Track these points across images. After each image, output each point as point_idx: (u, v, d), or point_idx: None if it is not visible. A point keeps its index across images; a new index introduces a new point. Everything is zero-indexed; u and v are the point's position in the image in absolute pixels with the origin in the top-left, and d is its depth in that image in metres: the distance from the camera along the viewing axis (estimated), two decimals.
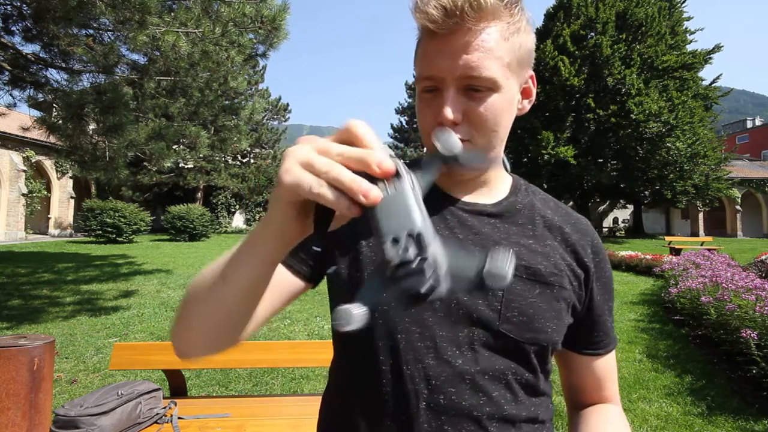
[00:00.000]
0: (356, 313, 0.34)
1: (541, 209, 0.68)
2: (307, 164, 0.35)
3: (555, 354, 0.72)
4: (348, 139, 0.36)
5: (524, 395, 0.60)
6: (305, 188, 0.34)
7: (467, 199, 0.66)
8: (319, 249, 0.39)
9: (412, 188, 0.35)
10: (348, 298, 0.35)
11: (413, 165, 0.39)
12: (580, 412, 0.71)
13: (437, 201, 0.65)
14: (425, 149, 0.63)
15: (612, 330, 0.71)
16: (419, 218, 0.33)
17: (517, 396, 0.59)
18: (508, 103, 0.58)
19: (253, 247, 0.44)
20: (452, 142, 0.38)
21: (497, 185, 0.68)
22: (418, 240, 0.33)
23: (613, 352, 0.72)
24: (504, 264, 0.33)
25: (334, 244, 0.63)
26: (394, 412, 0.57)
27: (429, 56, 0.56)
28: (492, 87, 0.55)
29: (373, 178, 0.34)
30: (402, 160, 0.38)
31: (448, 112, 0.54)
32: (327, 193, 0.34)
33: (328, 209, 0.36)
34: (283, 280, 0.60)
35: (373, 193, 0.33)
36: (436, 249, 0.33)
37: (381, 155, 0.34)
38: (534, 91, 0.65)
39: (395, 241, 0.33)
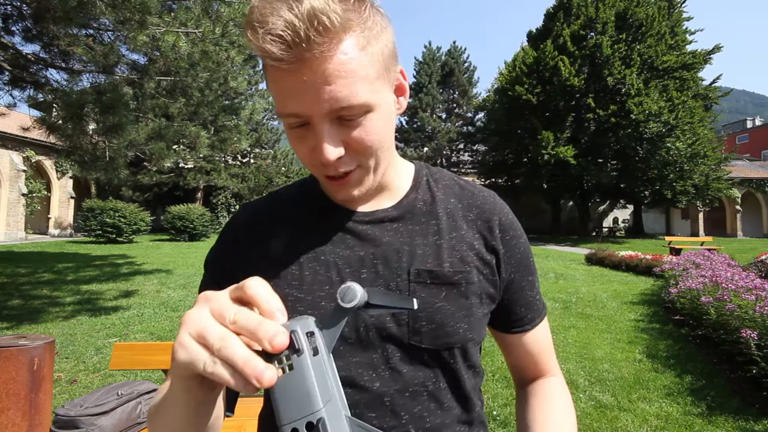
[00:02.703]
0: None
1: (444, 200, 0.66)
2: (201, 337, 0.35)
3: (493, 336, 0.72)
4: (245, 299, 0.36)
5: (449, 399, 0.59)
6: (199, 367, 0.34)
7: (366, 208, 0.64)
8: (230, 414, 0.40)
9: (314, 354, 0.34)
10: None
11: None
12: (524, 390, 0.71)
13: (335, 217, 0.63)
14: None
15: (536, 302, 0.69)
16: (319, 401, 0.32)
17: (442, 403, 0.58)
18: (386, 115, 0.54)
19: (176, 406, 0.43)
20: (352, 295, 0.36)
21: (396, 183, 0.66)
22: (318, 430, 0.32)
23: (544, 322, 0.71)
24: None
25: None
26: None
27: (284, 93, 0.49)
28: (367, 110, 0.50)
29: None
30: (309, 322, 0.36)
31: (330, 152, 0.50)
32: (221, 373, 0.33)
33: None
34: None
35: (266, 376, 0.32)
36: (340, 430, 0.32)
37: (273, 328, 0.33)
38: (407, 85, 0.59)
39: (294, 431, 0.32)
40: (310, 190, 0.67)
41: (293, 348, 0.34)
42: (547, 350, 0.71)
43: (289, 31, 0.43)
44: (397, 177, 0.66)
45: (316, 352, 0.34)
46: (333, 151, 0.50)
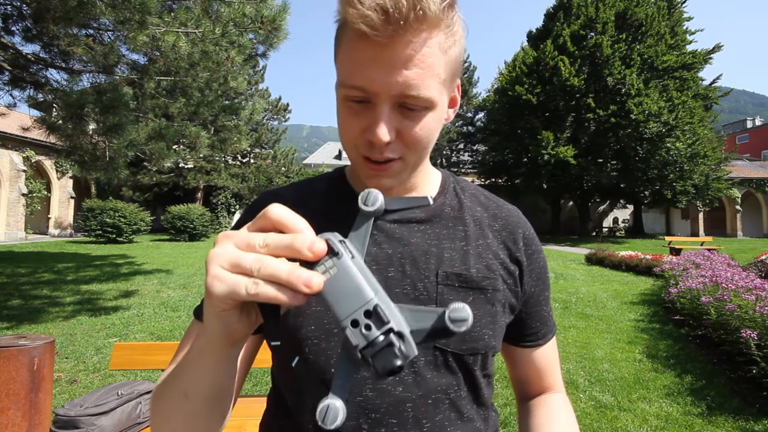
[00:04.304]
0: (341, 408, 0.33)
1: (471, 207, 0.67)
2: (236, 265, 0.34)
3: (500, 348, 0.72)
4: (268, 226, 0.36)
5: (469, 409, 0.59)
6: (241, 292, 0.33)
7: None
8: (278, 343, 0.39)
9: (351, 257, 0.35)
10: (319, 390, 0.33)
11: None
12: (528, 404, 0.71)
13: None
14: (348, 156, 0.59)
15: (549, 318, 0.71)
16: (370, 291, 0.33)
17: (462, 413, 0.58)
18: (439, 119, 0.55)
19: (203, 360, 0.43)
20: (374, 198, 0.38)
21: (425, 187, 0.66)
22: (376, 314, 0.32)
23: (553, 339, 0.72)
24: (464, 312, 0.32)
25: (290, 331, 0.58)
26: None
27: (361, 64, 0.49)
28: (428, 106, 0.51)
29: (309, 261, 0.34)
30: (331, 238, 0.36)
31: (384, 134, 0.49)
32: (266, 291, 0.33)
33: None
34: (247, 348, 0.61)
35: (314, 280, 0.32)
36: (395, 315, 0.33)
37: (309, 237, 0.33)
38: (459, 99, 0.61)
39: (354, 323, 0.32)
40: (336, 184, 0.67)
41: (332, 252, 0.34)
42: (553, 366, 0.72)
43: (393, 5, 0.44)
44: (427, 180, 0.67)
45: (352, 255, 0.35)
46: (387, 134, 0.50)
